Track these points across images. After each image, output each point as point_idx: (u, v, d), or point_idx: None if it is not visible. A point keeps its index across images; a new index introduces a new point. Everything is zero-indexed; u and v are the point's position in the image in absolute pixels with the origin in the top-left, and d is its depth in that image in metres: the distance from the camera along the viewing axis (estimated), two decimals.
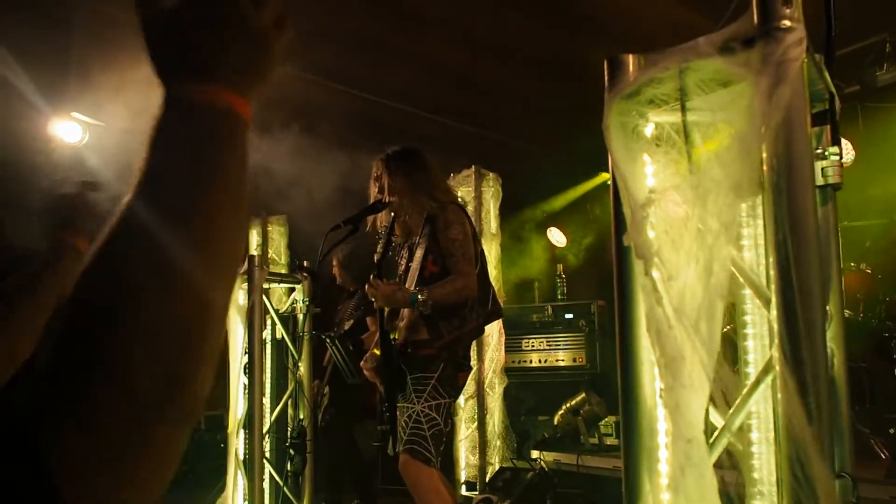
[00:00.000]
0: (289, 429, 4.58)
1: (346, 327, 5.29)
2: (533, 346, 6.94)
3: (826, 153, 1.56)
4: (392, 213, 3.85)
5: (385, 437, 3.72)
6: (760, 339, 1.39)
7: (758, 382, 1.36)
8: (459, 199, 5.97)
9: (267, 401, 4.52)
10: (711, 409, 1.42)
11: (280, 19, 0.77)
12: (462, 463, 6.17)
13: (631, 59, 1.53)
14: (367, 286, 3.64)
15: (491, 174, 6.51)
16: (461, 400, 6.25)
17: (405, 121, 7.13)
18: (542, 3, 5.30)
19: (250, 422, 4.00)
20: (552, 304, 7.10)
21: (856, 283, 5.84)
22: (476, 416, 6.25)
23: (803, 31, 1.27)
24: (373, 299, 3.70)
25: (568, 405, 6.10)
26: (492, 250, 6.41)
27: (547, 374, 6.82)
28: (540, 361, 6.87)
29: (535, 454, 6.25)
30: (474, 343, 6.13)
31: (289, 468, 4.46)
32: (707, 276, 1.29)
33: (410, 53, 6.24)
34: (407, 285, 3.80)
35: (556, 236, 8.54)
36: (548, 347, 6.85)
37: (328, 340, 4.80)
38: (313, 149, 5.97)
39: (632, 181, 1.38)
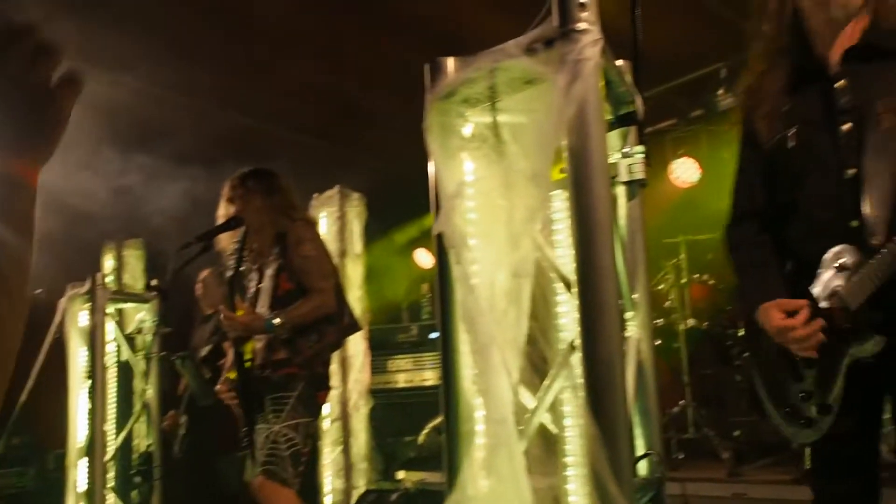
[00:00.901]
0: (134, 456, 4.42)
1: (204, 353, 5.17)
2: (399, 366, 6.96)
3: (632, 151, 1.66)
4: (241, 234, 3.82)
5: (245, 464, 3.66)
6: (572, 323, 1.47)
7: (563, 362, 1.44)
8: (322, 212, 5.98)
9: (112, 427, 4.35)
10: (525, 391, 1.48)
11: (70, 74, 0.73)
12: (327, 487, 6.10)
13: (450, 62, 1.59)
14: (221, 317, 3.58)
15: (355, 194, 6.53)
16: (326, 423, 6.19)
17: (268, 140, 7.08)
18: (416, 26, 5.38)
19: (92, 449, 3.84)
20: (418, 324, 7.15)
21: (699, 293, 6.15)
22: (341, 439, 6.21)
23: (598, 33, 1.36)
24: (228, 330, 3.64)
25: (433, 424, 6.13)
26: (356, 270, 6.42)
27: (413, 395, 6.85)
28: (406, 382, 6.90)
29: (400, 475, 6.25)
30: (339, 364, 6.11)
31: (133, 497, 4.30)
32: (515, 263, 1.35)
33: (275, 73, 6.22)
34: (260, 306, 3.76)
35: (423, 257, 8.63)
36: (414, 367, 6.89)
37: (179, 362, 4.68)
38: (174, 170, 5.86)
39: (446, 175, 1.44)
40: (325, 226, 6.37)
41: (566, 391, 1.55)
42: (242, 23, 5.49)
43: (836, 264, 2.12)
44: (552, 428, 1.55)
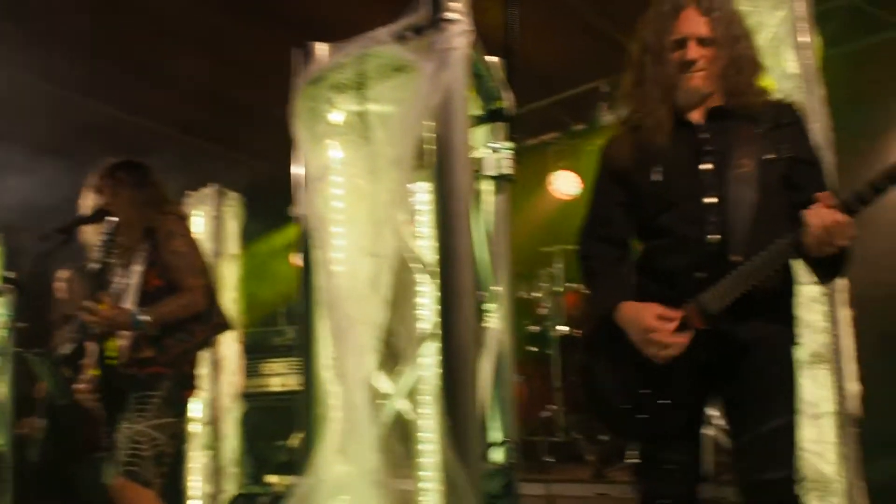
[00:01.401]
0: None
1: (65, 352, 4.92)
2: (273, 370, 6.82)
3: (500, 147, 1.69)
4: (110, 226, 3.68)
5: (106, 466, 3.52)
6: (432, 311, 1.48)
7: (420, 350, 1.45)
8: (198, 211, 5.82)
9: None
10: (384, 378, 1.49)
11: None
12: (196, 491, 5.93)
13: (321, 47, 1.59)
14: (83, 311, 3.43)
15: (232, 194, 6.38)
16: (196, 426, 6.03)
17: (142, 134, 6.86)
18: (297, 20, 5.31)
19: None
20: (294, 328, 7.04)
21: (574, 302, 6.29)
22: (211, 443, 6.05)
23: (468, 24, 1.38)
24: (90, 324, 3.49)
25: None
26: (231, 271, 6.28)
27: (287, 399, 6.71)
28: (280, 386, 6.77)
29: (271, 479, 6.14)
30: (211, 367, 5.96)
31: None
32: (379, 246, 1.36)
33: (153, 67, 6.04)
34: (128, 302, 3.63)
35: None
36: (288, 371, 6.77)
37: (35, 359, 4.45)
38: (42, 162, 5.60)
39: (311, 160, 1.43)
40: (201, 225, 6.21)
41: (424, 379, 1.56)
42: (117, 13, 5.30)
43: (697, 276, 2.28)
44: (409, 415, 1.55)
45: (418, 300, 1.61)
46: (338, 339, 1.31)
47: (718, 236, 2.28)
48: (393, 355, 1.40)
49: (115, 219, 3.54)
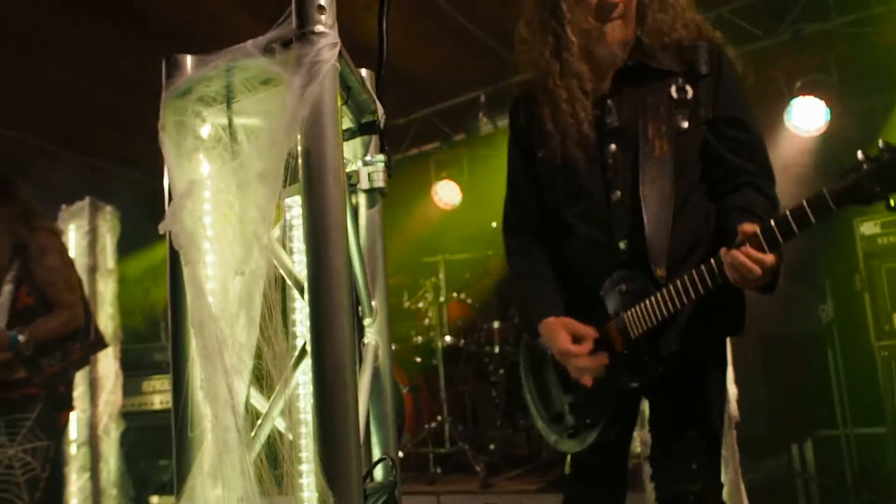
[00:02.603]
0: None
1: None
2: (154, 387, 6.66)
3: (373, 160, 1.69)
4: None
5: None
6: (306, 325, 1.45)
7: (295, 366, 1.42)
8: (71, 225, 5.60)
9: None
10: (258, 396, 1.45)
11: None
12: None
13: (188, 59, 1.54)
14: None
15: (108, 207, 6.19)
16: (72, 448, 5.79)
17: (9, 147, 6.58)
18: (172, 29, 5.18)
19: None
20: None
21: (457, 312, 6.36)
22: (89, 465, 5.83)
23: (336, 37, 1.37)
24: None
25: None
26: (108, 286, 6.08)
27: (169, 417, 6.53)
28: (162, 403, 6.60)
29: (154, 500, 5.98)
30: (88, 386, 5.74)
31: None
32: (247, 263, 1.33)
33: (19, 75, 5.80)
34: None
35: None
36: (170, 388, 6.59)
37: None
38: None
39: (178, 175, 1.39)
40: (74, 240, 6.00)
41: (302, 396, 1.54)
42: None
43: (620, 288, 2.19)
44: (287, 434, 1.52)
45: (292, 317, 1.59)
46: (207, 359, 1.27)
47: (626, 242, 2.16)
48: (267, 374, 1.37)
49: None
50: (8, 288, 3.53)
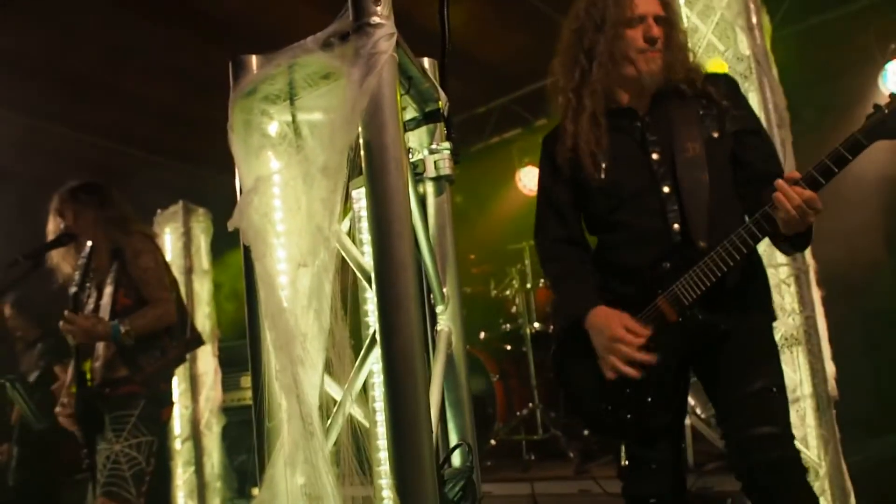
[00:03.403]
0: None
1: (32, 379, 4.88)
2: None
3: (439, 148, 1.69)
4: (87, 250, 3.68)
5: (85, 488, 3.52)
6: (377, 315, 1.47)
7: (366, 355, 1.44)
8: (166, 228, 5.80)
9: None
10: (333, 385, 1.48)
11: None
12: None
13: (253, 59, 1.58)
14: (62, 322, 3.42)
15: (200, 209, 6.40)
16: (177, 443, 6.01)
17: (107, 157, 6.84)
18: (246, 34, 5.30)
19: None
20: None
21: (545, 298, 6.31)
22: (193, 459, 6.04)
23: (393, 27, 1.38)
24: (69, 336, 3.48)
25: None
26: (204, 286, 6.28)
27: None
28: None
29: (256, 492, 6.13)
30: (188, 383, 5.94)
31: None
32: (314, 256, 1.35)
33: (112, 88, 6.02)
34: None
35: None
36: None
37: (8, 386, 4.43)
38: (7, 191, 5.57)
39: (246, 173, 1.43)
40: (170, 242, 6.22)
41: (376, 385, 1.56)
42: (68, 33, 5.28)
43: (665, 265, 2.31)
44: (364, 422, 1.55)
45: (364, 307, 1.61)
46: (281, 350, 1.30)
47: (679, 225, 2.31)
48: (341, 363, 1.39)
49: (90, 242, 3.54)
50: (108, 290, 3.68)
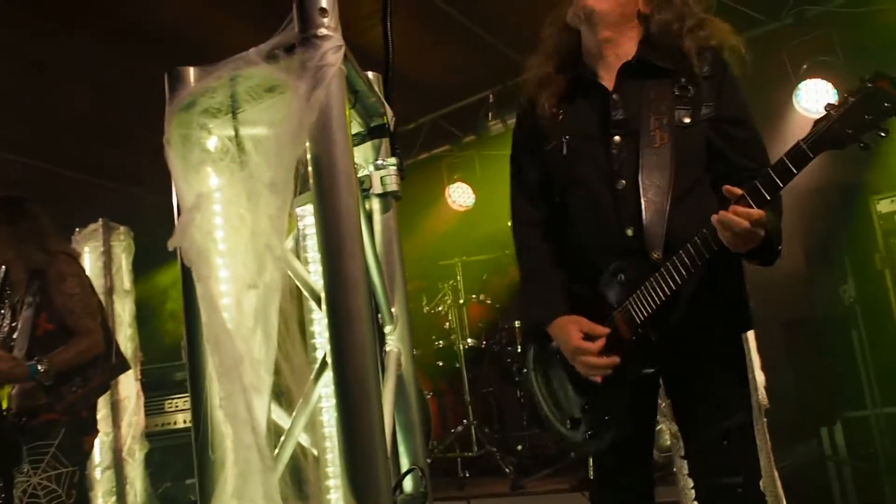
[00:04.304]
0: None
1: None
2: (177, 406, 6.64)
3: (385, 163, 1.65)
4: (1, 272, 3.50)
5: None
6: (325, 336, 1.42)
7: (316, 379, 1.38)
8: (86, 247, 5.59)
9: None
10: (280, 412, 1.41)
11: None
12: None
13: (191, 71, 1.51)
14: None
15: (122, 227, 6.19)
16: (97, 472, 5.78)
17: (23, 173, 6.59)
18: (166, 41, 5.16)
19: None
20: None
21: (477, 313, 6.30)
22: (115, 489, 5.81)
23: (340, 39, 1.34)
24: None
25: None
26: (126, 307, 6.07)
27: None
28: (185, 422, 6.57)
29: None
30: (109, 409, 5.73)
31: None
32: (261, 276, 1.29)
33: (28, 102, 5.81)
34: (17, 349, 3.45)
35: None
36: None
37: None
38: None
39: (185, 189, 1.35)
40: (90, 262, 5.99)
41: (325, 410, 1.50)
42: None
43: (619, 278, 2.20)
44: (311, 450, 1.49)
45: (311, 329, 1.55)
46: (225, 376, 1.24)
47: (632, 229, 2.19)
48: (288, 389, 1.33)
49: (3, 266, 3.36)
50: (27, 314, 3.50)
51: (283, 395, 1.35)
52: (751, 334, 3.83)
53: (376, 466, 1.27)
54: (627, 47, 2.30)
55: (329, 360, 1.28)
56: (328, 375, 1.36)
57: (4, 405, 3.41)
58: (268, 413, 1.33)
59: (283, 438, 1.38)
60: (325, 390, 1.44)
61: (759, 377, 3.84)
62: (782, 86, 5.93)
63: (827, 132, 1.92)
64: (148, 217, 6.49)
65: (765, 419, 3.76)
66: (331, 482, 1.48)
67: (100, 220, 6.01)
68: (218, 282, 1.34)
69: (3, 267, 3.46)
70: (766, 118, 5.54)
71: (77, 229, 6.01)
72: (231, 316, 1.32)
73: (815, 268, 5.82)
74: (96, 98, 5.93)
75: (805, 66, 5.82)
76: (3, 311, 3.59)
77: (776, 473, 3.70)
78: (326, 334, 1.33)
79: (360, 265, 1.28)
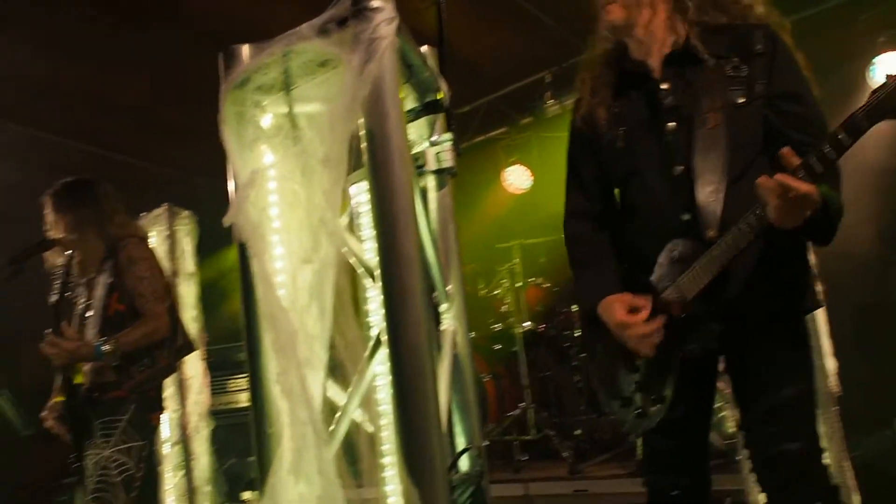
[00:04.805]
0: None
1: None
2: (240, 385, 6.74)
3: (440, 139, 1.63)
4: (68, 252, 3.58)
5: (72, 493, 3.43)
6: (380, 314, 1.41)
7: (371, 357, 1.37)
8: (151, 231, 5.71)
9: None
10: (335, 388, 1.41)
11: None
12: None
13: (245, 48, 1.51)
14: (44, 344, 3.31)
15: (185, 212, 6.29)
16: (166, 447, 5.92)
17: (90, 161, 6.73)
18: (220, 28, 5.21)
19: None
20: None
21: (535, 296, 6.24)
22: (182, 463, 5.95)
23: (393, 11, 1.32)
24: (52, 358, 3.37)
25: None
26: (190, 290, 6.19)
27: None
28: (248, 401, 6.66)
29: (246, 495, 6.07)
30: (176, 387, 5.85)
31: None
32: (316, 252, 1.28)
33: (90, 92, 5.93)
34: (90, 328, 3.53)
35: None
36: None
37: None
38: None
39: (240, 166, 1.35)
40: (155, 245, 6.11)
41: (380, 388, 1.49)
42: (42, 37, 5.18)
43: (672, 256, 2.19)
44: (367, 427, 1.48)
45: (365, 308, 1.54)
46: (281, 353, 1.23)
47: (689, 215, 2.16)
48: (343, 365, 1.32)
49: (69, 251, 3.44)
50: (100, 293, 3.57)
51: (337, 370, 1.34)
52: (822, 320, 3.72)
53: (431, 444, 1.25)
54: (671, 36, 2.28)
55: (383, 337, 1.27)
56: (383, 353, 1.35)
57: (79, 380, 3.49)
58: (323, 389, 1.32)
59: (338, 415, 1.37)
60: (379, 368, 1.43)
61: (831, 364, 3.73)
62: (854, 61, 5.73)
63: (885, 100, 1.84)
64: (209, 202, 6.60)
65: (836, 407, 3.65)
66: (386, 460, 1.47)
67: (164, 204, 6.12)
68: (273, 258, 1.34)
69: (69, 253, 3.53)
70: (838, 96, 5.36)
71: (142, 214, 6.13)
72: (286, 292, 1.31)
73: (891, 250, 5.64)
74: (151, 86, 6.03)
75: (882, 39, 5.59)
76: (80, 290, 3.67)
77: (848, 463, 3.59)
78: (381, 312, 1.32)
79: (414, 241, 1.27)
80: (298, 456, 1.27)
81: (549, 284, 6.25)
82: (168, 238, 6.08)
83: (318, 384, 1.30)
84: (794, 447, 2.10)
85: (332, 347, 1.32)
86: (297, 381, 1.27)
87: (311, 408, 1.27)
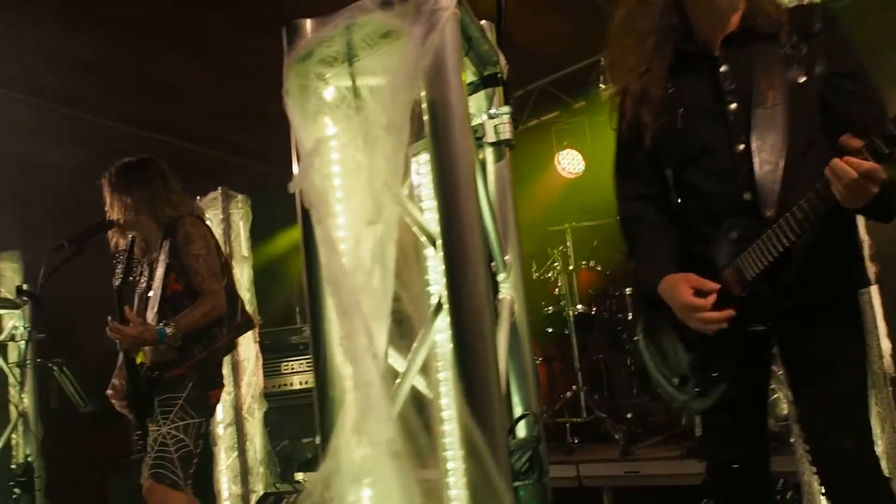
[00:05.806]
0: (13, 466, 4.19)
1: None
2: (293, 368, 6.84)
3: (498, 112, 1.65)
4: (130, 233, 3.67)
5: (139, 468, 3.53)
6: (440, 281, 1.44)
7: (432, 321, 1.40)
8: (206, 215, 5.80)
9: None
10: (395, 355, 1.44)
11: None
12: (225, 493, 5.95)
13: (308, 23, 1.54)
14: (108, 330, 3.41)
15: (240, 196, 6.40)
16: (220, 428, 6.04)
17: (144, 146, 6.87)
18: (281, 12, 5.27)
19: None
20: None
21: (587, 280, 6.24)
22: (236, 444, 6.06)
23: None
24: (117, 343, 3.47)
25: None
26: (244, 273, 6.29)
27: (308, 396, 6.73)
28: (301, 384, 6.77)
29: (299, 476, 6.17)
30: (230, 369, 5.96)
31: None
32: (380, 213, 1.31)
33: (146, 77, 6.04)
34: (150, 308, 3.62)
35: None
36: (308, 369, 6.76)
37: (55, 368, 4.45)
38: (50, 179, 5.61)
39: (304, 136, 1.39)
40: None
41: (439, 355, 1.52)
42: (103, 25, 5.29)
43: (731, 236, 2.19)
44: (426, 392, 1.51)
45: (425, 277, 1.57)
46: (344, 316, 1.27)
47: (749, 192, 2.17)
48: (403, 330, 1.35)
49: (131, 233, 3.53)
50: (159, 273, 3.65)
51: (403, 323, 1.37)
52: (877, 300, 3.67)
53: (492, 408, 1.28)
54: (732, 17, 2.27)
55: (444, 303, 1.30)
56: (443, 320, 1.38)
57: (139, 360, 3.58)
58: (385, 354, 1.35)
59: (398, 381, 1.40)
60: (440, 336, 1.46)
61: (886, 345, 3.68)
62: None
63: None
64: (263, 188, 6.69)
65: (890, 388, 3.61)
66: (445, 427, 1.50)
67: (219, 188, 6.23)
68: (336, 225, 1.37)
69: (131, 236, 3.61)
70: (885, 81, 5.25)
71: (198, 197, 6.23)
72: (349, 257, 1.34)
73: None
74: (206, 70, 6.12)
75: None
76: (143, 269, 3.76)
77: None
78: (441, 280, 1.34)
79: (475, 207, 1.29)
80: (362, 416, 1.30)
81: (601, 267, 6.25)
82: (223, 221, 6.19)
83: (382, 339, 1.33)
84: (846, 444, 2.11)
85: (397, 299, 1.35)
86: (362, 339, 1.30)
87: (376, 362, 1.30)
